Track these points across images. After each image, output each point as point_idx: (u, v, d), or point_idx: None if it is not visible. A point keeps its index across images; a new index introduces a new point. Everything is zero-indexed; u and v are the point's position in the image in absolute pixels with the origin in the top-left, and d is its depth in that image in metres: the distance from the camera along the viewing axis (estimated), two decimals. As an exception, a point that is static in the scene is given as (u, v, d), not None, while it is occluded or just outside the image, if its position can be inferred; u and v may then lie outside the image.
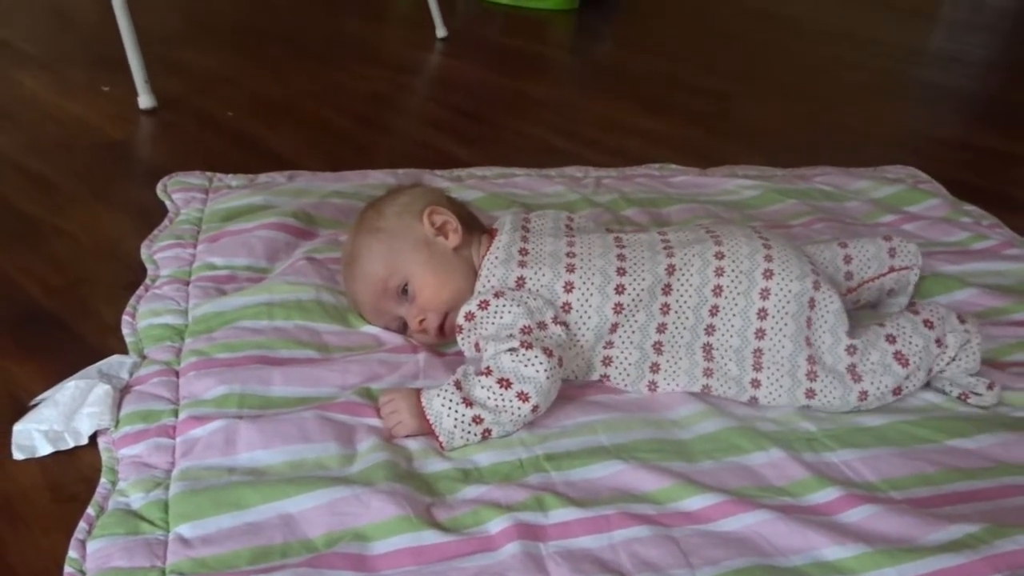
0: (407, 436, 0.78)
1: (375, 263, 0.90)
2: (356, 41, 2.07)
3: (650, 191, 1.30)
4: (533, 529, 0.69)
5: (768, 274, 0.86)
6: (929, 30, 2.74)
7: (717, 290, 0.86)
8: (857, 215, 1.28)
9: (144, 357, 0.87)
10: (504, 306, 0.84)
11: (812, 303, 0.86)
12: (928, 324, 0.87)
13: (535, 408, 0.79)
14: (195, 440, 0.76)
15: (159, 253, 1.05)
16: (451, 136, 1.53)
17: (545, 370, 0.79)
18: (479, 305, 0.84)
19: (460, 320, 0.85)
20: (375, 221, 0.92)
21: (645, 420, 0.82)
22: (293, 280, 0.96)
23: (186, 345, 0.88)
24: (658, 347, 0.87)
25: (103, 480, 0.72)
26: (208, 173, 1.25)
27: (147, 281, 1.00)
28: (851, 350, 0.86)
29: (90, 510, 0.69)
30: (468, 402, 0.78)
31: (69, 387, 0.80)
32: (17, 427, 0.77)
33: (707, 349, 0.87)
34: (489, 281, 0.87)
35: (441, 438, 0.77)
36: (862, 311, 1.01)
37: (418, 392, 0.79)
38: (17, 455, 0.75)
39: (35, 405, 0.80)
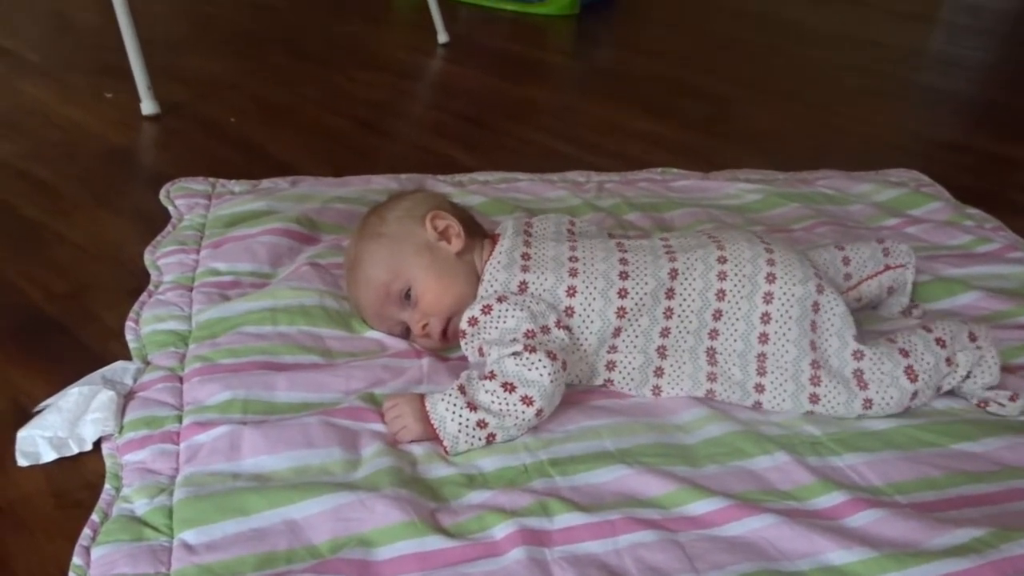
0: (411, 441, 0.78)
1: (378, 268, 0.90)
2: (358, 47, 2.07)
3: (652, 195, 1.30)
4: (538, 534, 0.69)
5: (771, 278, 0.86)
6: (928, 33, 2.74)
7: (720, 294, 0.86)
8: (860, 219, 1.28)
9: (148, 363, 0.87)
10: (507, 310, 0.84)
11: (816, 306, 0.86)
12: (940, 343, 0.87)
13: (539, 412, 0.79)
14: (199, 446, 0.76)
15: (162, 259, 1.05)
16: (453, 141, 1.53)
17: (549, 374, 0.79)
18: (482, 310, 0.84)
19: (463, 325, 0.85)
20: (377, 226, 0.92)
21: (649, 424, 0.82)
22: (296, 285, 0.96)
23: (190, 351, 0.88)
24: (662, 351, 0.87)
25: (107, 486, 0.72)
26: (211, 179, 1.26)
27: (150, 287, 1.00)
28: (858, 355, 0.86)
29: (94, 516, 0.69)
30: (472, 406, 0.78)
31: (73, 393, 0.80)
32: (21, 433, 0.77)
33: (711, 353, 0.87)
34: (492, 286, 0.87)
35: (445, 443, 0.77)
36: (863, 312, 1.01)
37: (422, 397, 0.79)
38: (21, 461, 0.75)
39: (39, 411, 0.80)
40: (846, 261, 1.00)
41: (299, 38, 2.09)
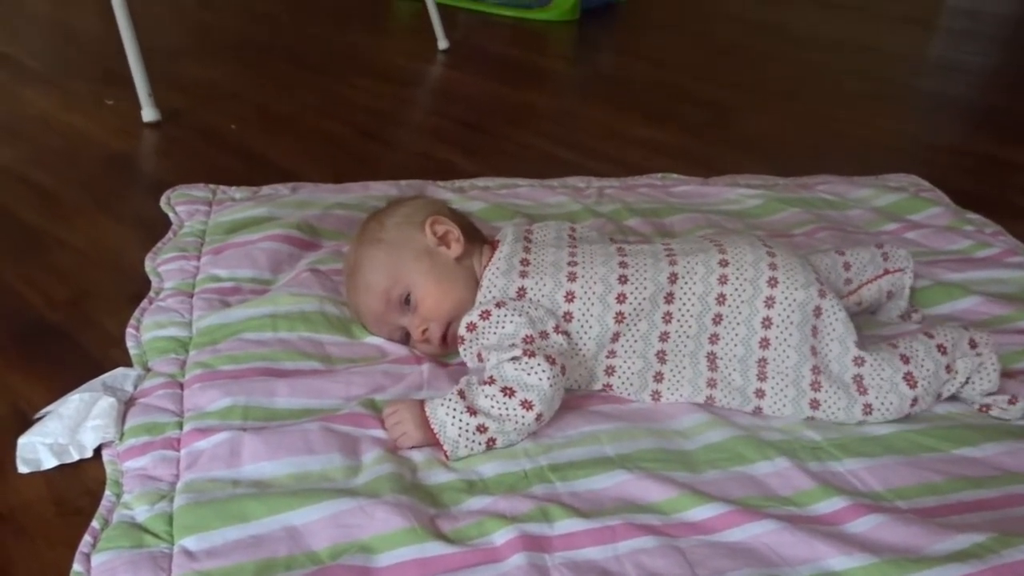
0: (411, 447, 0.78)
1: (377, 273, 0.90)
2: (358, 53, 2.08)
3: (653, 201, 1.30)
4: (538, 540, 0.69)
5: (773, 282, 0.86)
6: (928, 38, 2.74)
7: (721, 298, 0.86)
8: (859, 223, 1.28)
9: (148, 369, 0.87)
10: (506, 316, 0.84)
11: (818, 311, 0.86)
12: (941, 349, 0.87)
13: (539, 416, 0.79)
14: (199, 452, 0.76)
15: (163, 265, 1.05)
16: (453, 147, 1.53)
17: (548, 378, 0.79)
18: (480, 315, 0.84)
19: (462, 331, 0.85)
20: (377, 232, 0.93)
21: (649, 430, 0.82)
22: (297, 292, 0.97)
23: (190, 357, 0.88)
24: (661, 356, 0.87)
25: (108, 493, 0.72)
26: (211, 185, 1.26)
27: (151, 293, 1.00)
28: (859, 361, 0.86)
29: (95, 523, 0.69)
30: (472, 411, 0.78)
31: (74, 400, 0.80)
32: (22, 440, 0.77)
33: (711, 358, 0.87)
34: (490, 291, 0.87)
35: (446, 447, 0.77)
36: (862, 317, 1.01)
37: (422, 403, 0.79)
38: (22, 468, 0.75)
39: (40, 418, 0.80)
40: (847, 266, 1.00)
41: (299, 45, 2.09)
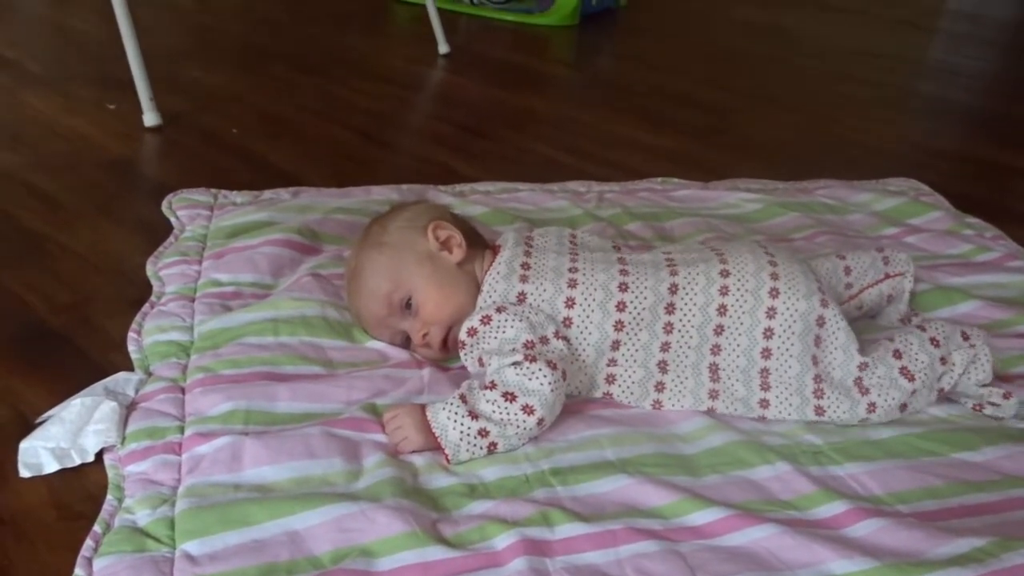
0: (412, 452, 0.78)
1: (379, 277, 0.90)
2: (359, 58, 2.08)
3: (653, 205, 1.30)
4: (539, 545, 0.69)
5: (774, 293, 0.86)
6: (928, 42, 2.75)
7: (722, 309, 0.86)
8: (859, 228, 1.29)
9: (150, 374, 0.87)
10: (506, 321, 0.84)
11: (821, 321, 0.86)
12: (934, 342, 0.88)
13: (540, 421, 0.79)
14: (201, 457, 0.76)
15: (164, 270, 1.05)
16: (454, 151, 1.54)
17: (549, 383, 0.79)
18: (481, 320, 0.85)
19: (463, 336, 0.85)
20: (379, 236, 0.93)
21: (650, 434, 0.82)
22: (298, 296, 0.97)
23: (192, 362, 0.88)
24: (662, 366, 0.87)
25: (109, 497, 0.72)
26: (213, 190, 1.26)
27: (153, 298, 1.00)
28: (862, 366, 0.86)
29: (96, 527, 0.69)
30: (474, 415, 0.78)
31: (75, 404, 0.80)
32: (23, 445, 0.77)
33: (713, 369, 0.87)
34: (491, 296, 0.88)
35: (447, 452, 0.77)
36: (862, 321, 1.01)
37: (423, 407, 0.79)
38: (24, 472, 0.76)
39: (41, 423, 0.80)
40: (847, 271, 1.00)
41: (300, 49, 2.10)
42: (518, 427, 0.78)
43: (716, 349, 0.87)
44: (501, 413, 0.78)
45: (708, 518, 0.72)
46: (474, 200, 1.28)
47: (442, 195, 1.29)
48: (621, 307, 0.86)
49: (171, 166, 1.42)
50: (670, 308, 0.87)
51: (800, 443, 0.83)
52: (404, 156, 1.54)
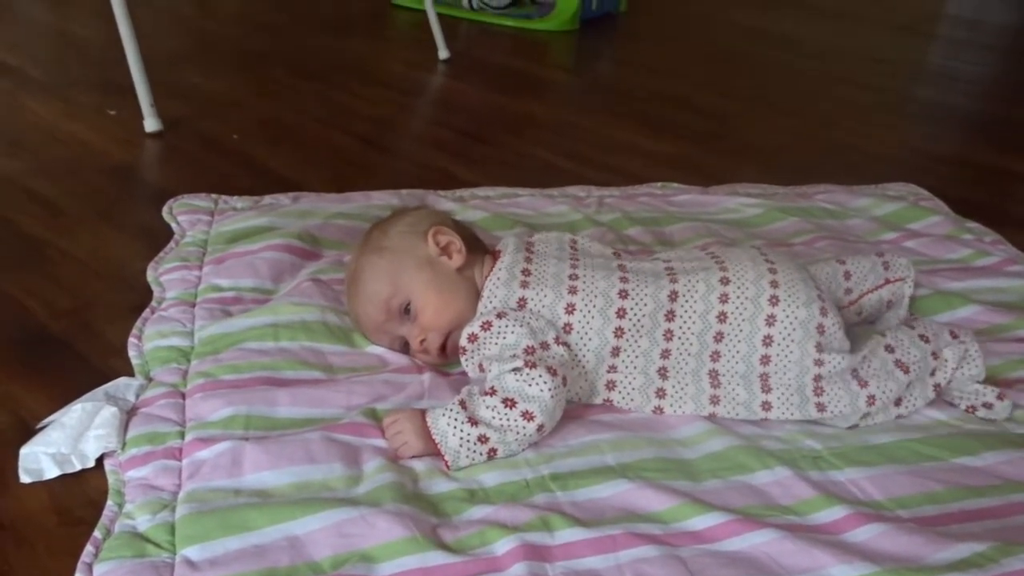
0: (412, 457, 0.78)
1: (378, 282, 0.90)
2: (359, 63, 2.08)
3: (652, 210, 1.31)
4: (539, 550, 0.69)
5: (774, 300, 0.86)
6: (928, 47, 2.75)
7: (722, 317, 0.86)
8: (859, 233, 1.29)
9: (150, 379, 0.87)
10: (507, 326, 0.84)
11: (821, 329, 0.86)
12: (924, 338, 0.89)
13: (540, 427, 0.79)
14: (201, 462, 0.76)
15: (165, 275, 1.05)
16: (454, 156, 1.54)
17: (549, 389, 0.79)
18: (482, 326, 0.85)
19: (463, 342, 0.86)
20: (380, 241, 0.93)
21: (650, 439, 0.82)
22: (298, 301, 0.97)
23: (192, 367, 0.88)
24: (663, 373, 0.87)
25: (110, 503, 0.72)
26: (213, 195, 1.26)
27: (153, 303, 1.00)
28: (859, 361, 0.87)
29: (97, 533, 0.69)
30: (473, 421, 0.78)
31: (76, 410, 0.80)
32: (24, 450, 0.77)
33: (713, 375, 0.87)
34: (491, 302, 0.88)
35: (447, 457, 0.77)
36: (861, 327, 1.01)
37: (423, 413, 0.79)
38: (24, 478, 0.76)
39: (42, 428, 0.80)
40: (847, 276, 1.00)
41: (301, 55, 2.10)
42: (518, 433, 0.78)
43: (716, 356, 0.87)
44: (501, 419, 0.78)
45: (708, 523, 0.72)
46: (474, 205, 1.28)
47: (442, 200, 1.29)
48: (621, 314, 0.86)
49: (171, 171, 1.42)
50: (670, 315, 0.87)
51: (800, 448, 0.83)
52: (404, 161, 1.54)
